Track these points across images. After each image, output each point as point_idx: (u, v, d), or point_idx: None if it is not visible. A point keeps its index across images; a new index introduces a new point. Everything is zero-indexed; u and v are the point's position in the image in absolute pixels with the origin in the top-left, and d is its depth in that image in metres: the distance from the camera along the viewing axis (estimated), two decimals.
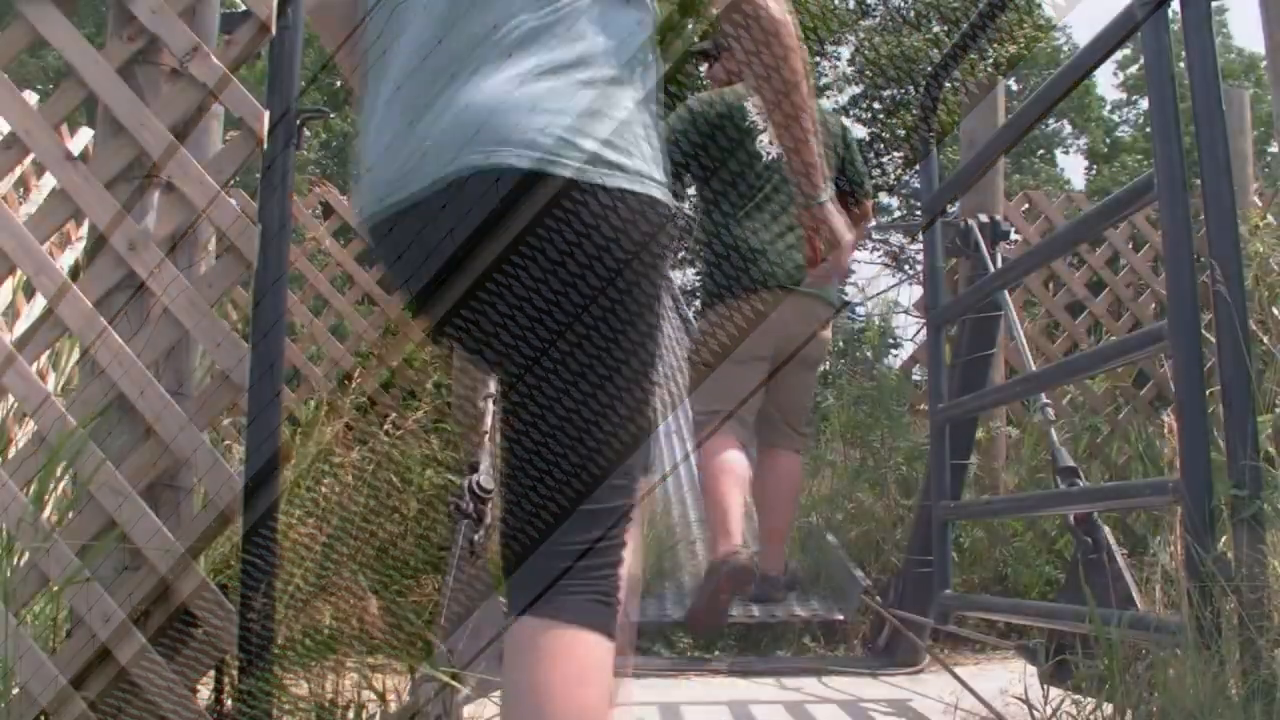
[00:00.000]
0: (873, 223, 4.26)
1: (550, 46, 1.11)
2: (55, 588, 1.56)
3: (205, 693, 1.64)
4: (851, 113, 14.68)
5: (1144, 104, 19.33)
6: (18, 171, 2.69)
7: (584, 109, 1.09)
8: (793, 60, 1.29)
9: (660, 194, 1.14)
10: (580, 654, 1.06)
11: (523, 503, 1.12)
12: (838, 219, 1.43)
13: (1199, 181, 1.51)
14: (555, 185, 1.06)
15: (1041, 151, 21.45)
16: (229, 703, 1.60)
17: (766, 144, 3.06)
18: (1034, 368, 2.78)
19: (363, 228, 1.23)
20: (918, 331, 4.77)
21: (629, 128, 1.13)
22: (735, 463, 3.01)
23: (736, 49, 1.25)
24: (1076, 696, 1.64)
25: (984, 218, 3.11)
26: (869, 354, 4.42)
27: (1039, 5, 13.00)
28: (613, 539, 1.12)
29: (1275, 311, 3.32)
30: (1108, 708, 1.51)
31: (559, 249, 1.06)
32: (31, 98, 2.42)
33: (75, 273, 1.65)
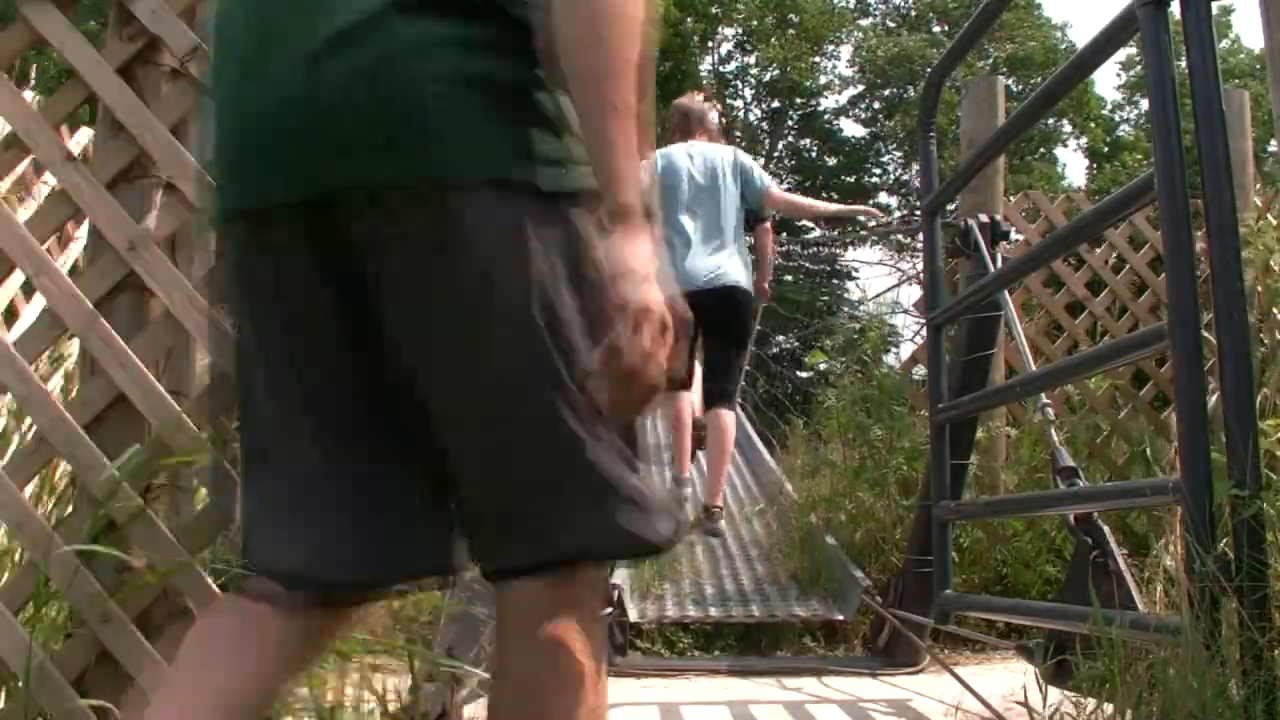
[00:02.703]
0: (770, 252, 4.44)
1: None
2: (55, 588, 1.55)
3: None
4: (851, 113, 14.70)
5: (1144, 104, 19.30)
6: (18, 171, 2.69)
7: None
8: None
9: None
10: None
11: None
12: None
13: (1199, 182, 1.51)
14: None
15: (1041, 151, 21.44)
16: None
17: None
18: (1034, 368, 2.78)
19: None
20: (917, 331, 4.77)
21: None
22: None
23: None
24: (1077, 697, 1.64)
25: (984, 218, 3.11)
26: (868, 354, 4.42)
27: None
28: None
29: (1275, 312, 3.32)
30: (1108, 708, 1.51)
31: None
32: (29, 95, 2.42)
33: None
